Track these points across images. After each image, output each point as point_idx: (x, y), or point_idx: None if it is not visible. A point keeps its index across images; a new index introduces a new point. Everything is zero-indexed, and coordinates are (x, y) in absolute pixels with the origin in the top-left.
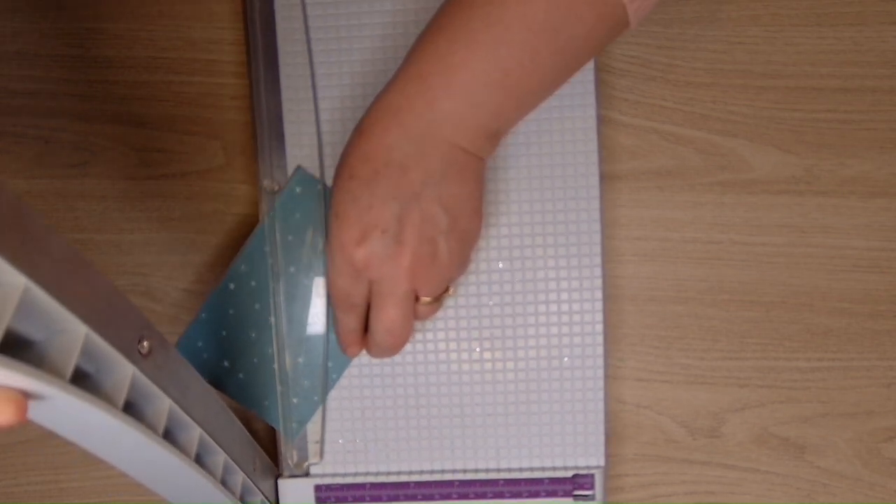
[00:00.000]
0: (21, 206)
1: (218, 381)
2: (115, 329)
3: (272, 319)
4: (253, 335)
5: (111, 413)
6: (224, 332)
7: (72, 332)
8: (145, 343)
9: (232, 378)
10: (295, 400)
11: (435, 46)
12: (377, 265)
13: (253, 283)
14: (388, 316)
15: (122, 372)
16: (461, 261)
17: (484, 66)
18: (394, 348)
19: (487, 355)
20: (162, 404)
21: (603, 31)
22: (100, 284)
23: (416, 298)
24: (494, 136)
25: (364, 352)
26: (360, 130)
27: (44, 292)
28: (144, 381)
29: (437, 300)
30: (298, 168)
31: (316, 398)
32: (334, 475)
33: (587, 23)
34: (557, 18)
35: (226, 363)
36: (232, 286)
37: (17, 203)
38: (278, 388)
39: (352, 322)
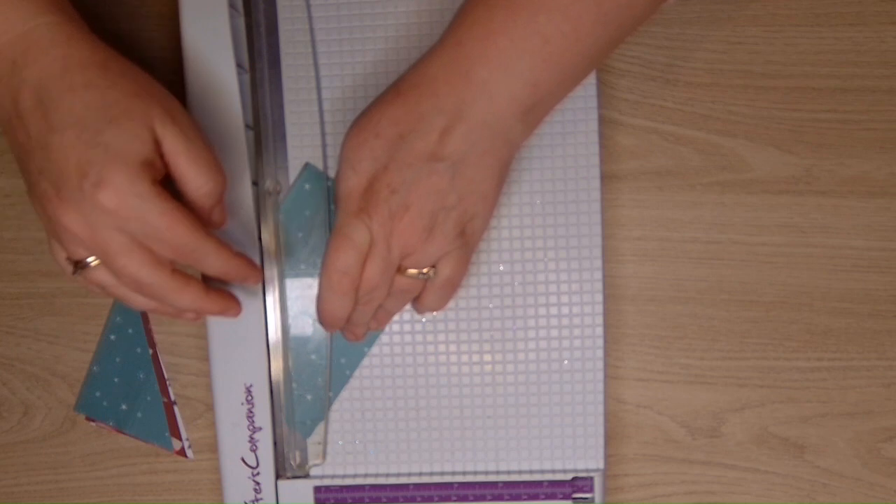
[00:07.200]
0: None
1: (120, 423)
2: None
3: (154, 352)
4: (141, 376)
5: None
6: (116, 379)
7: None
8: None
9: (131, 418)
10: (309, 397)
11: (474, 14)
12: (377, 218)
13: (130, 331)
14: (370, 265)
15: None
16: (457, 242)
17: (523, 32)
18: (370, 303)
19: (487, 357)
20: None
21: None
22: None
23: (401, 270)
24: (529, 114)
25: (362, 363)
26: (397, 91)
27: None
28: None
29: (416, 281)
30: (307, 165)
31: (331, 394)
32: (334, 476)
33: None
34: None
35: (124, 406)
36: (112, 337)
37: None
38: (281, 387)
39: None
